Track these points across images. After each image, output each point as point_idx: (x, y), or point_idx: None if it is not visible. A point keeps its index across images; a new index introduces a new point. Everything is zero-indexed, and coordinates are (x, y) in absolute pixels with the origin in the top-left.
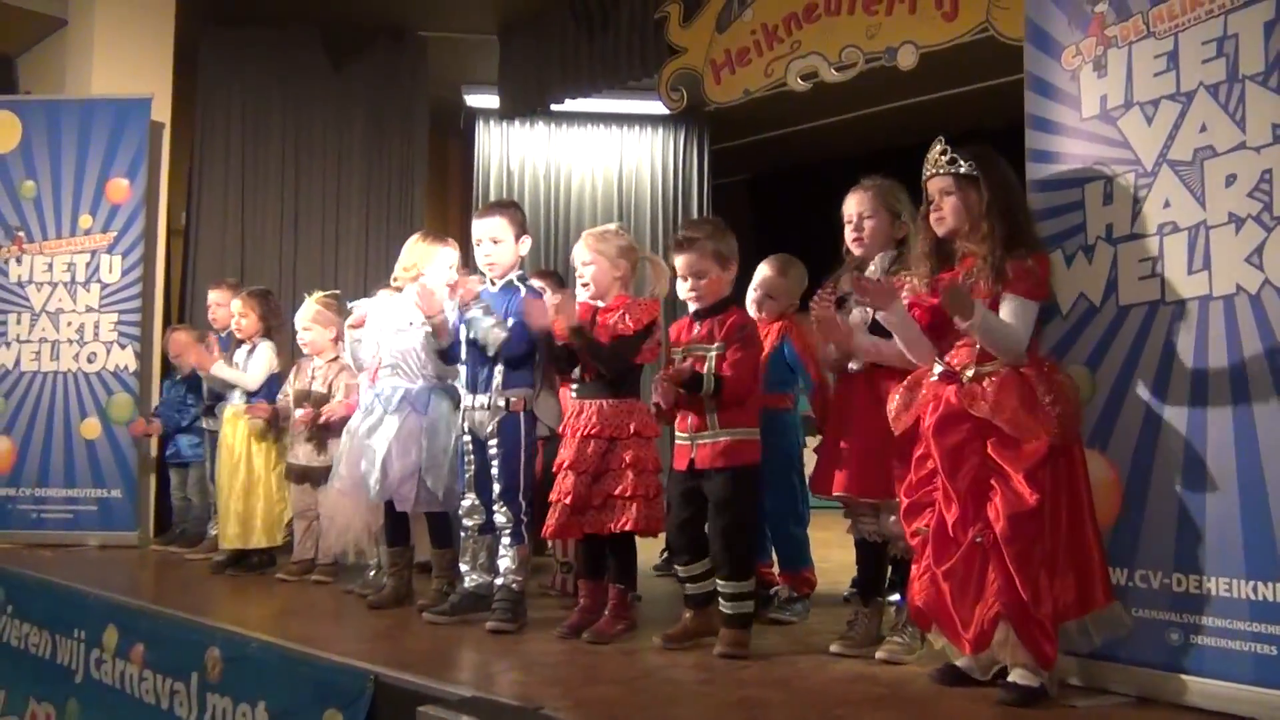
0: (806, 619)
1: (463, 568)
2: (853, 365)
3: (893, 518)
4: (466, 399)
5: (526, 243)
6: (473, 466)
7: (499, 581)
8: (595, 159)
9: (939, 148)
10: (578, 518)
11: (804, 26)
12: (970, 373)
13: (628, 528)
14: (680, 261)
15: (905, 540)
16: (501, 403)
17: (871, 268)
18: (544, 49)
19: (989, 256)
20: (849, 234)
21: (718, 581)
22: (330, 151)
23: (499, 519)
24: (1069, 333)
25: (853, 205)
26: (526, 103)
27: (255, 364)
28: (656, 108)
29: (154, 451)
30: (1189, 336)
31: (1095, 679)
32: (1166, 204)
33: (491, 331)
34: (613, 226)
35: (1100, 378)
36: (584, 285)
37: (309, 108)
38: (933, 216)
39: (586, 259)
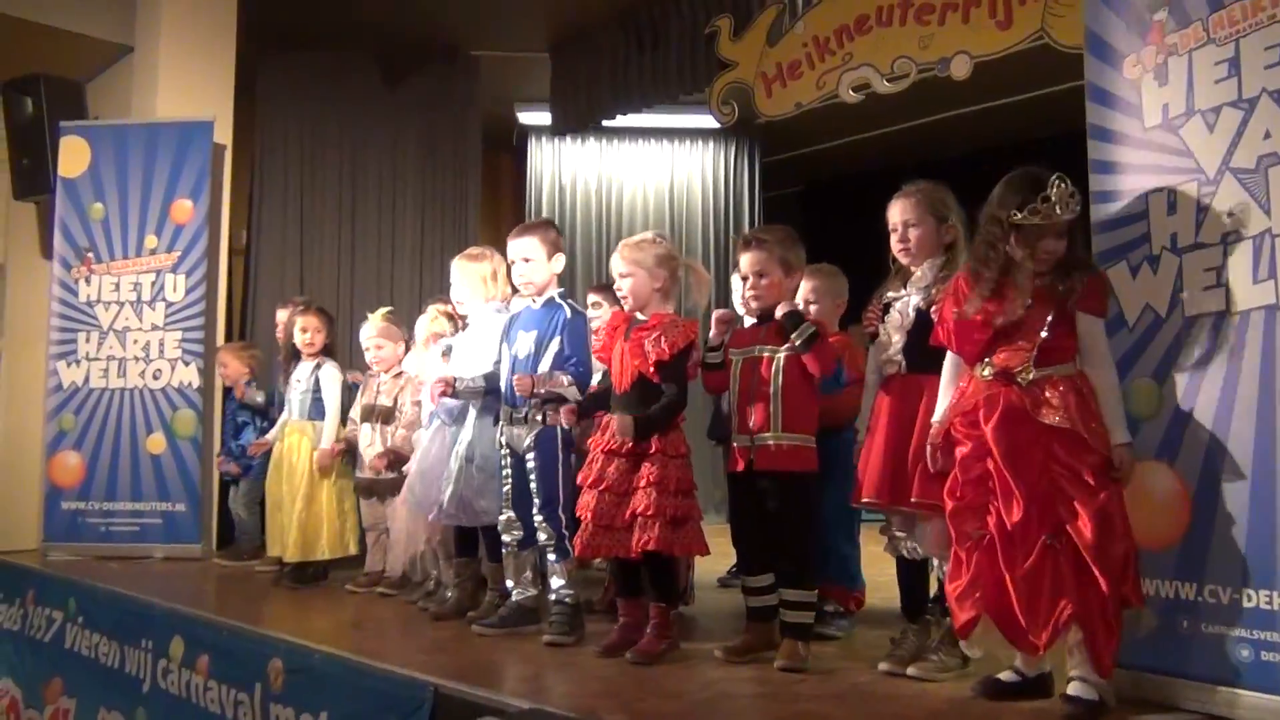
0: (852, 634)
1: (508, 583)
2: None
3: (930, 532)
4: (504, 413)
5: (560, 260)
6: (509, 481)
7: (552, 596)
8: (647, 173)
9: (1067, 185)
10: (604, 536)
11: (855, 38)
12: (1030, 376)
13: (649, 548)
14: (745, 259)
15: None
16: (539, 417)
17: (920, 272)
18: (595, 65)
19: (1066, 276)
20: (895, 243)
21: (780, 591)
22: (385, 170)
23: (541, 536)
24: (1135, 345)
25: (896, 213)
26: (578, 119)
27: (331, 393)
28: (707, 121)
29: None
30: (1255, 347)
31: (1163, 695)
32: (1230, 213)
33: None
34: (649, 235)
35: (1167, 390)
36: (623, 298)
37: (364, 128)
38: (1038, 251)
39: (624, 270)
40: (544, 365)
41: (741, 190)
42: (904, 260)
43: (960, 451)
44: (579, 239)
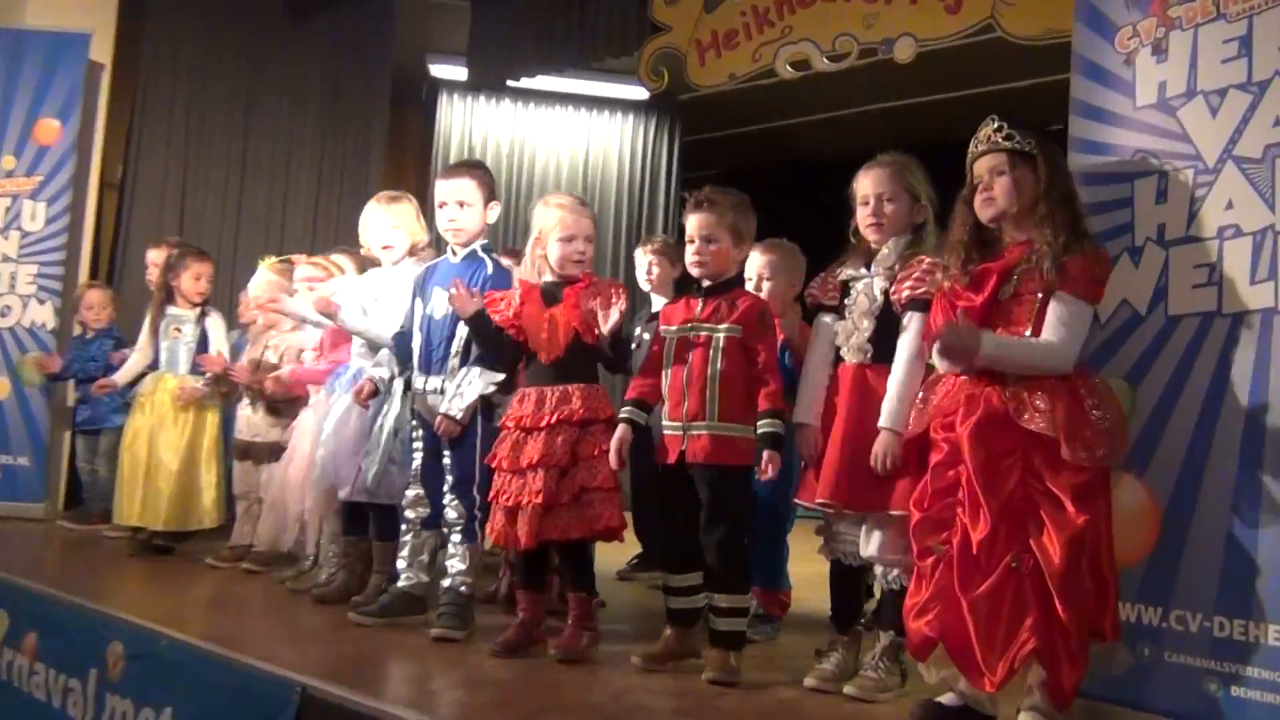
0: (775, 639)
1: (400, 564)
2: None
3: (878, 537)
4: (418, 380)
5: (495, 209)
6: (419, 455)
7: (445, 583)
8: (562, 141)
9: (993, 124)
10: (550, 519)
11: (797, 11)
12: (1013, 376)
13: (614, 525)
14: (694, 221)
15: (897, 568)
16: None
17: (885, 250)
18: (518, 20)
19: (1049, 244)
20: (864, 217)
21: (711, 595)
22: (284, 111)
23: (450, 514)
24: (1108, 343)
25: (869, 185)
26: (496, 76)
27: (216, 339)
28: (629, 92)
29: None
30: (1248, 353)
31: None
32: (1229, 205)
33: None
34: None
35: (1142, 394)
36: (577, 262)
37: (264, 63)
38: (979, 198)
39: (589, 233)
40: (463, 327)
41: (659, 168)
42: (873, 236)
43: (934, 457)
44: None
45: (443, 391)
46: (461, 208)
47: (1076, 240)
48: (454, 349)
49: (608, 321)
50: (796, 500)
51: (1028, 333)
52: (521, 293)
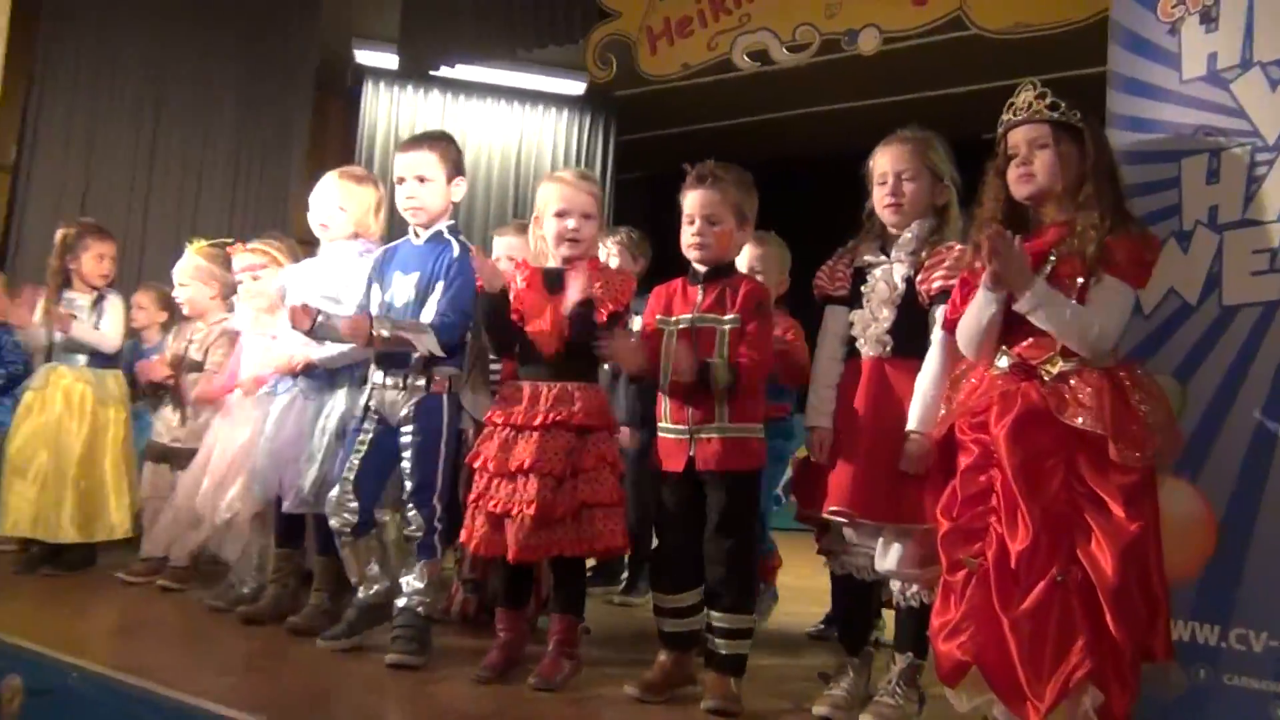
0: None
1: (352, 579)
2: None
3: (897, 549)
4: (375, 375)
5: (461, 186)
6: (363, 451)
7: (401, 603)
8: (493, 135)
9: (1033, 90)
10: (545, 534)
11: None
12: (1055, 368)
13: (616, 545)
14: (694, 198)
15: (917, 583)
16: (421, 381)
17: (907, 235)
18: (454, 4)
19: (1095, 227)
20: (881, 196)
21: (712, 614)
22: (200, 91)
23: (408, 523)
24: (1153, 335)
25: (887, 162)
26: (430, 61)
27: (111, 321)
28: (564, 86)
29: None
30: None
31: None
32: None
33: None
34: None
35: (1192, 392)
36: (572, 240)
37: (177, 40)
38: (1016, 173)
39: (588, 209)
40: (426, 315)
41: (593, 166)
42: (891, 218)
43: (962, 460)
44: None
45: (404, 387)
46: (421, 183)
47: (1121, 222)
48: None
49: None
50: (803, 507)
51: None
52: (525, 275)
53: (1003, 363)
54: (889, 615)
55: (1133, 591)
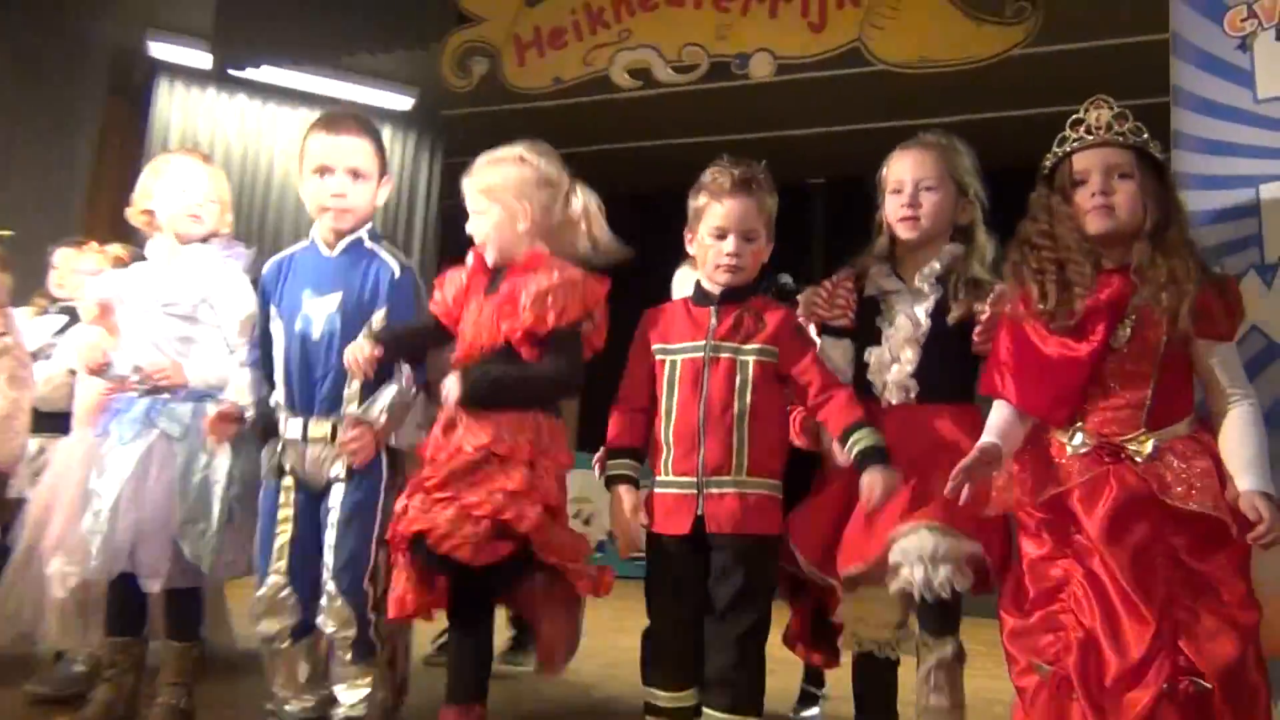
0: None
1: (278, 691)
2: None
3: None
4: (291, 426)
5: (388, 188)
6: (289, 530)
7: (340, 715)
8: None
9: (1109, 108)
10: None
11: (637, 14)
12: (1146, 449)
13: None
14: (730, 210)
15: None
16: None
17: (935, 264)
18: None
19: (1187, 279)
20: (897, 208)
21: (711, 714)
22: None
23: (328, 623)
24: None
25: (906, 169)
26: (245, 61)
27: None
28: (388, 100)
29: None
30: None
31: None
32: None
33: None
34: (515, 149)
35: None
36: (480, 244)
37: None
38: (1092, 202)
39: (477, 205)
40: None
41: (417, 188)
42: (907, 233)
43: (1031, 549)
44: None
45: (332, 441)
46: (355, 179)
47: (1203, 271)
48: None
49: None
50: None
51: (1148, 394)
52: (470, 270)
53: (1078, 441)
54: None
55: (1249, 680)
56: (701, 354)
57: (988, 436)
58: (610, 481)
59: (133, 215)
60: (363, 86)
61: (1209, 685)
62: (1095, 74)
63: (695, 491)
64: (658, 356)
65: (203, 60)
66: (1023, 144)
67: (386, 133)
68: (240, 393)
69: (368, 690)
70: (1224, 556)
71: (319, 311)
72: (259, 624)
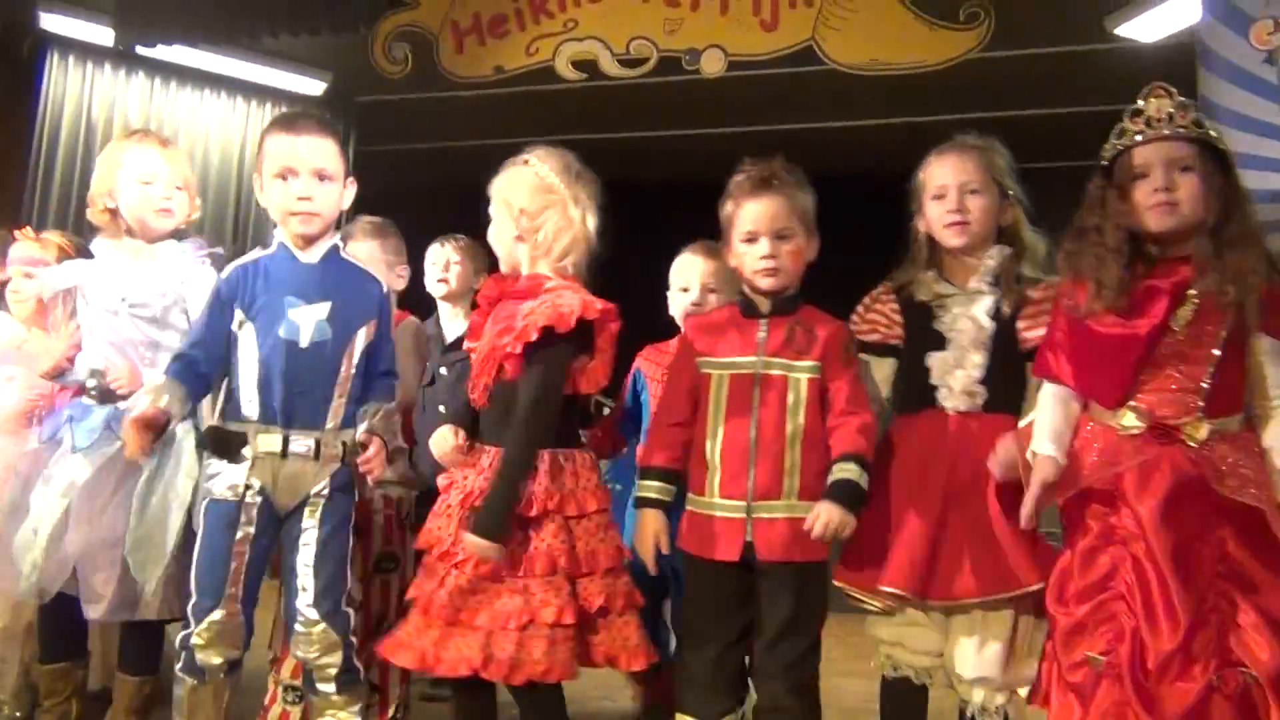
0: None
1: None
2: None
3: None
4: (260, 440)
5: (352, 191)
6: (245, 554)
7: None
8: (210, 131)
9: (1169, 98)
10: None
11: (583, 4)
12: (1201, 434)
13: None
14: (755, 210)
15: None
16: (338, 447)
17: (989, 262)
18: None
19: (1256, 273)
20: (943, 214)
21: None
22: None
23: (307, 646)
24: None
25: (947, 174)
26: (150, 37)
27: None
28: (299, 84)
29: None
30: None
31: None
32: None
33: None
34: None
35: None
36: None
37: None
38: (1153, 199)
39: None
40: (352, 362)
41: None
42: (956, 239)
43: (1076, 538)
44: None
45: (317, 456)
46: (321, 182)
47: (1270, 267)
48: (340, 388)
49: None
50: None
51: (1206, 378)
52: (487, 296)
53: (1130, 421)
54: None
55: None
56: (752, 370)
57: (1048, 445)
58: (640, 503)
59: (94, 215)
60: (272, 69)
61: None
62: (1047, 80)
63: (744, 516)
64: (703, 369)
65: (101, 35)
66: None
67: None
68: (159, 396)
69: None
70: (1271, 553)
71: (307, 319)
72: (200, 655)
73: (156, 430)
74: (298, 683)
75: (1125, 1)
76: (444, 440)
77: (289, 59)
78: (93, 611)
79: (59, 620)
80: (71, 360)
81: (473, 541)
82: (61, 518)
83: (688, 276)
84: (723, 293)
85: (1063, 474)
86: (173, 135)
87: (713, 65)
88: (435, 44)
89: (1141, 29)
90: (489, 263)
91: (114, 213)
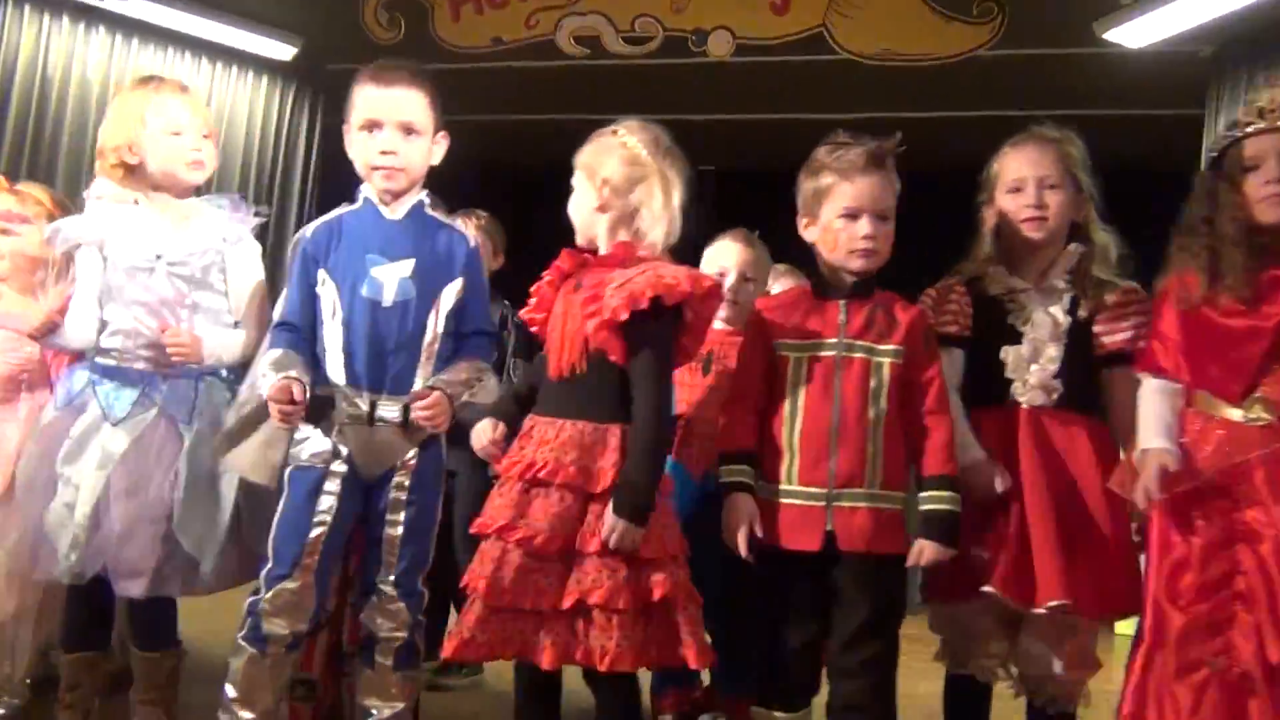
0: None
1: (239, 708)
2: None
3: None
4: (350, 403)
5: (443, 145)
6: (328, 522)
7: None
8: None
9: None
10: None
11: None
12: None
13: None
14: (864, 188)
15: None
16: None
17: (1060, 261)
18: None
19: None
20: (1019, 209)
21: None
22: None
23: (382, 619)
24: None
25: (1025, 166)
26: None
27: None
28: (267, 48)
29: None
30: None
31: None
32: None
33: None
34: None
35: None
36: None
37: None
38: (1265, 190)
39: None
40: (439, 323)
41: (295, 148)
42: (1035, 233)
43: (1190, 538)
44: (63, 154)
45: (406, 422)
46: (408, 136)
47: None
48: (427, 351)
49: None
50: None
51: None
52: (555, 271)
53: (1258, 412)
54: None
55: None
56: (834, 353)
57: (1159, 440)
58: (728, 489)
59: (105, 169)
60: (239, 30)
61: None
62: (1057, 82)
63: (824, 504)
64: (781, 352)
65: None
66: (978, 146)
67: (261, 83)
68: (287, 369)
69: (401, 706)
70: None
71: (390, 276)
72: (267, 623)
73: (300, 405)
74: (308, 675)
75: (1117, 6)
76: (483, 433)
77: (259, 20)
78: (133, 589)
79: (87, 604)
80: (62, 314)
81: (625, 527)
82: (102, 492)
83: (724, 262)
84: (759, 283)
85: (1180, 467)
86: None
87: (720, 48)
88: (430, 10)
89: (1128, 35)
90: (506, 241)
91: (128, 166)
